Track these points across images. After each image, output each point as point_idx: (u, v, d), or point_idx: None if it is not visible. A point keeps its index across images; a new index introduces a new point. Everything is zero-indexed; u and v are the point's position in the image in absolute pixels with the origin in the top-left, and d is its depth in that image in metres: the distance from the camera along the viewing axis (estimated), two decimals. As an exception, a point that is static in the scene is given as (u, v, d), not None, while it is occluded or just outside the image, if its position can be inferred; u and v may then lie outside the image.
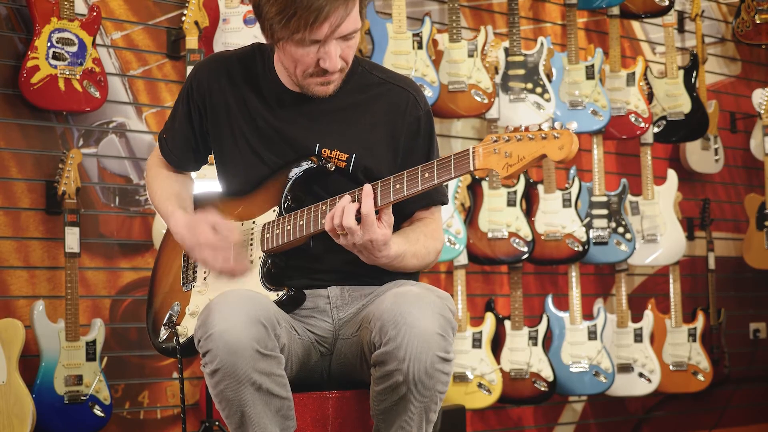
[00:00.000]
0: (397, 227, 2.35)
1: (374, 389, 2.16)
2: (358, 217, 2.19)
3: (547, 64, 4.73)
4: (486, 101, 4.51)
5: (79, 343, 3.68)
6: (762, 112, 5.40)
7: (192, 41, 3.92)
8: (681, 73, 5.30)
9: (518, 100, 4.67)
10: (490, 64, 4.58)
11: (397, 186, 2.19)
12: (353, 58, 2.34)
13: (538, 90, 4.66)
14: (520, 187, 4.67)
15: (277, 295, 2.29)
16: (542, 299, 4.84)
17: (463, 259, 4.57)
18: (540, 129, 2.09)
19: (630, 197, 5.06)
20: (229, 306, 2.13)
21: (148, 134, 4.07)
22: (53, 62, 3.73)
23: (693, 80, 5.30)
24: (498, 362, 4.58)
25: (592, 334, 4.75)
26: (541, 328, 4.67)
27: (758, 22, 5.67)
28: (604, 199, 4.90)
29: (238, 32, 4.05)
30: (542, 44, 4.72)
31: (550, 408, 5.17)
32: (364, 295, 2.39)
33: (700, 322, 5.22)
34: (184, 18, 3.94)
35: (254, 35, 3.98)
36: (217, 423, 3.55)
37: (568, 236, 4.69)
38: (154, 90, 4.11)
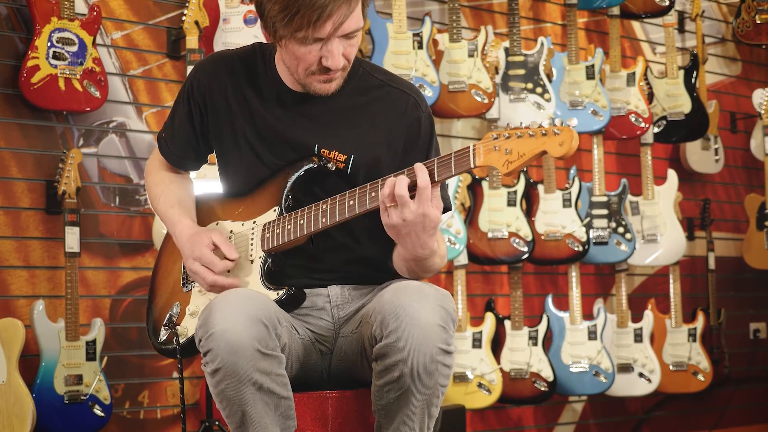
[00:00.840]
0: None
1: (376, 384, 2.16)
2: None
3: (547, 64, 4.73)
4: (486, 101, 4.51)
5: (79, 343, 3.67)
6: (762, 112, 5.39)
7: (192, 41, 3.92)
8: (681, 73, 5.30)
9: (518, 100, 4.66)
10: (490, 64, 4.57)
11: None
12: (354, 59, 2.34)
13: (539, 90, 4.66)
14: (521, 187, 4.66)
15: (278, 294, 2.29)
16: (542, 299, 4.84)
17: (463, 259, 4.57)
18: (540, 126, 2.09)
19: (630, 197, 5.06)
20: (229, 305, 2.12)
21: (149, 134, 4.07)
22: (53, 62, 3.73)
23: (693, 80, 5.30)
24: (498, 362, 4.58)
25: (592, 334, 4.74)
26: (541, 328, 4.66)
27: (758, 22, 5.67)
28: (605, 199, 4.89)
29: (239, 32, 4.05)
30: (542, 44, 4.72)
31: (550, 408, 5.16)
32: (363, 293, 2.39)
33: (700, 322, 5.22)
34: (184, 18, 3.94)
35: (254, 35, 3.98)
36: (217, 423, 3.55)
37: (568, 236, 4.69)
38: (155, 90, 4.11)
